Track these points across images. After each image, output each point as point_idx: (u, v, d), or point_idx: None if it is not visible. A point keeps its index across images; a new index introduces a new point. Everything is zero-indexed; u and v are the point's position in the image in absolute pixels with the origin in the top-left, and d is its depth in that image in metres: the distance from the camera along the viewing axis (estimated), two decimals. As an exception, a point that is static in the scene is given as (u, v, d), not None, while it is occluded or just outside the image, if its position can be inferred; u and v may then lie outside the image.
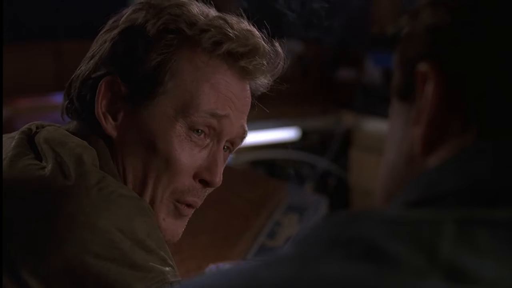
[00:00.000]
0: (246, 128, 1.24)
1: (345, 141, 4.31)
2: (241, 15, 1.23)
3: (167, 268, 1.08)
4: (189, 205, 1.21)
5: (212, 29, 1.16)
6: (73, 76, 1.22)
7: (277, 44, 1.23)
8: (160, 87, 1.15)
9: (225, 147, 1.23)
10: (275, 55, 1.23)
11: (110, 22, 1.22)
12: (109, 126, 1.16)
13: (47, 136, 1.15)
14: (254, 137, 3.99)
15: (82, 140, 1.14)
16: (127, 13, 1.19)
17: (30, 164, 1.10)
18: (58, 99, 4.30)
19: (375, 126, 4.10)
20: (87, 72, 1.18)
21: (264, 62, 1.21)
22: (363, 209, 0.55)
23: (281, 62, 1.24)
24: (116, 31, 1.18)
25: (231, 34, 1.16)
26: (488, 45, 0.59)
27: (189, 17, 1.16)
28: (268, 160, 4.17)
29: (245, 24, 1.21)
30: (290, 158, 4.24)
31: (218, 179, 1.20)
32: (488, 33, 0.59)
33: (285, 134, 4.36)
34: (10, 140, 1.16)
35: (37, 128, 1.19)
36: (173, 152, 1.15)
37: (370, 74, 4.51)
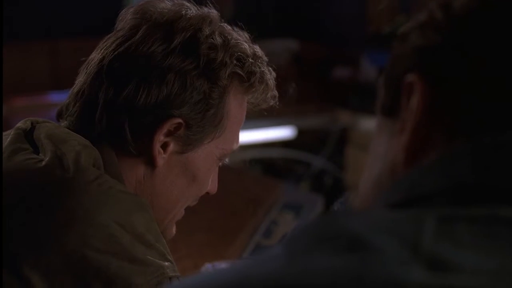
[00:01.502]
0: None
1: (341, 140, 4.32)
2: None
3: (166, 263, 1.09)
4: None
5: (265, 82, 1.24)
6: (85, 81, 1.18)
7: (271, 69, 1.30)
8: (217, 132, 1.21)
9: None
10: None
11: (152, 35, 1.18)
12: (160, 159, 1.19)
13: (48, 132, 1.15)
14: (250, 136, 4.00)
15: (85, 139, 1.14)
16: (182, 36, 1.17)
17: (28, 159, 1.11)
18: (54, 97, 4.30)
19: (371, 124, 4.11)
20: (136, 98, 1.15)
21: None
22: (350, 209, 0.56)
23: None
24: (186, 66, 1.16)
25: (271, 85, 1.27)
26: (475, 62, 0.61)
27: (249, 65, 1.22)
28: (264, 158, 4.18)
29: (265, 59, 1.27)
30: (286, 156, 4.25)
31: (216, 189, 1.31)
32: (475, 52, 0.61)
33: (281, 132, 4.36)
34: (6, 137, 1.16)
35: (32, 124, 1.19)
36: (207, 182, 1.26)
37: (366, 73, 4.51)
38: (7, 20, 4.48)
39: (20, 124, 1.18)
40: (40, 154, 1.12)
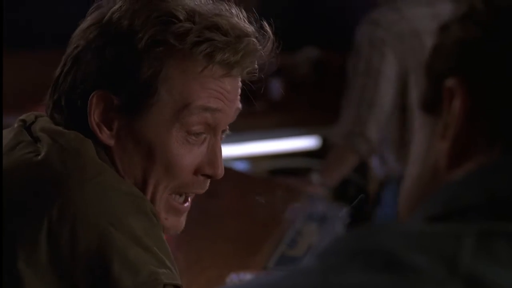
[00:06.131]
0: (240, 106, 1.22)
1: (365, 149, 4.30)
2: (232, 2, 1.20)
3: (163, 270, 1.07)
4: (187, 198, 1.21)
5: (203, 42, 1.14)
6: (58, 74, 1.19)
7: (265, 24, 1.21)
8: (152, 97, 1.14)
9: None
10: (264, 37, 1.20)
11: (94, 11, 1.18)
12: (105, 136, 1.15)
13: (43, 125, 1.15)
14: (274, 146, 3.99)
15: (78, 133, 1.14)
16: (111, 10, 1.16)
17: (25, 153, 1.11)
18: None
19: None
20: (76, 77, 1.16)
21: (255, 59, 1.19)
22: (384, 223, 0.56)
23: (270, 44, 1.21)
24: (102, 40, 1.14)
25: (221, 45, 1.14)
26: None
27: (177, 28, 1.13)
28: (288, 168, 4.17)
29: (235, 19, 1.18)
30: (310, 166, 4.23)
31: (221, 170, 1.20)
32: None
33: (305, 142, 4.35)
34: (11, 131, 1.18)
35: (36, 117, 1.19)
36: (172, 159, 1.15)
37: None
38: (26, 28, 4.51)
39: (23, 116, 1.20)
40: (38, 145, 1.12)
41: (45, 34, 4.60)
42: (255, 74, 1.21)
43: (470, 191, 0.58)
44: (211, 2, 1.19)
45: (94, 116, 1.14)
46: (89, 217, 1.05)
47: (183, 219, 1.23)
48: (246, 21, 1.19)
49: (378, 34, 2.78)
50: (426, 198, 0.62)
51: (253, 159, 3.42)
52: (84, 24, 1.18)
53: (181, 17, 1.14)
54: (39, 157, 1.10)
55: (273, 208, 2.34)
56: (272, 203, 2.34)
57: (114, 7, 1.15)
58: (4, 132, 1.19)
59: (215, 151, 1.19)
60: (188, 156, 1.16)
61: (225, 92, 1.17)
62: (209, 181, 1.21)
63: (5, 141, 1.15)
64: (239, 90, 1.22)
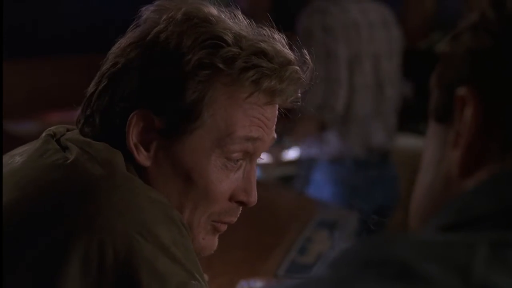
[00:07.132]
0: (275, 135, 1.21)
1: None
2: (271, 26, 1.19)
3: (191, 281, 1.05)
4: (225, 223, 1.20)
5: (250, 69, 1.13)
6: (92, 90, 1.17)
7: (305, 52, 1.20)
8: (196, 122, 1.12)
9: None
10: (304, 65, 1.19)
11: (134, 30, 1.17)
12: (142, 157, 1.14)
13: (72, 137, 1.15)
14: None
15: (106, 144, 1.13)
16: (155, 30, 1.14)
17: (55, 160, 1.10)
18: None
19: (409, 143, 4.09)
20: (114, 95, 1.14)
21: (298, 88, 1.19)
22: (397, 232, 0.55)
23: (309, 73, 1.20)
24: (145, 59, 1.13)
25: (268, 72, 1.13)
26: None
27: (225, 52, 1.12)
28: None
29: (279, 45, 1.17)
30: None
31: (254, 198, 1.19)
32: None
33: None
34: (37, 140, 1.17)
35: (67, 130, 1.19)
36: (210, 185, 1.14)
37: (403, 90, 4.48)
38: (44, 35, 4.53)
39: (52, 128, 1.19)
40: (66, 153, 1.11)
41: (57, 41, 4.62)
42: (297, 103, 1.21)
43: (483, 201, 0.58)
44: (254, 26, 1.19)
45: (133, 136, 1.13)
46: (117, 226, 1.03)
47: (216, 239, 1.22)
48: (288, 48, 1.19)
49: (329, 21, 3.02)
50: (438, 207, 0.62)
51: (264, 166, 3.42)
52: (123, 42, 1.17)
53: (229, 41, 1.13)
54: (68, 162, 1.09)
55: (283, 215, 2.35)
56: (282, 210, 2.34)
57: (159, 27, 1.14)
58: (31, 143, 1.18)
59: (250, 178, 1.19)
60: (226, 182, 1.16)
61: (265, 120, 1.17)
62: (241, 208, 1.20)
63: (31, 149, 1.15)
64: (276, 116, 1.21)
